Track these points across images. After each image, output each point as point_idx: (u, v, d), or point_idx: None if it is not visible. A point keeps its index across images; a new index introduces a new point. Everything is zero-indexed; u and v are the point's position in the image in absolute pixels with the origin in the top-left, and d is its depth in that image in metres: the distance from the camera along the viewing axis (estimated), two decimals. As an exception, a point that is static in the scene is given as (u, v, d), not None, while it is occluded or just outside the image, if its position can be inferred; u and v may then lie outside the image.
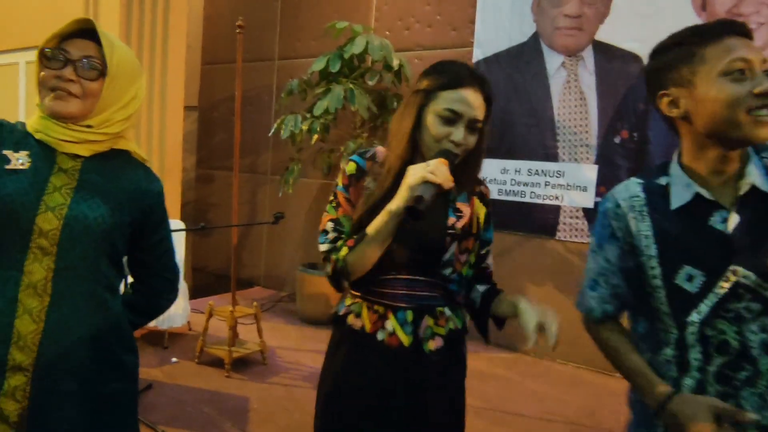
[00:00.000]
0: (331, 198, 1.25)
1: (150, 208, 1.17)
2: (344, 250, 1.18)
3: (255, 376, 3.14)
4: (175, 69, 4.49)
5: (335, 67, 3.84)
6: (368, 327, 1.23)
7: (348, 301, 1.29)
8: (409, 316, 1.22)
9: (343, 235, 1.21)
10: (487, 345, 1.33)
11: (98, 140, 1.11)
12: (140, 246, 1.19)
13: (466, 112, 1.15)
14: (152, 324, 3.34)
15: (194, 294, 4.51)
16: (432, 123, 1.17)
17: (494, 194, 3.91)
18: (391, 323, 1.22)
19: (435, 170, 1.08)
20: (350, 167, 1.24)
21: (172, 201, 4.63)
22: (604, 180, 3.48)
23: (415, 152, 1.21)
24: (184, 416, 2.60)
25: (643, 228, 1.04)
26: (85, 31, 1.09)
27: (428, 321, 1.22)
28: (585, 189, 3.56)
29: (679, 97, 0.98)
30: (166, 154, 4.48)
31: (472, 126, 1.17)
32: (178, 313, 3.48)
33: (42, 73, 1.07)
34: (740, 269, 0.95)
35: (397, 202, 1.12)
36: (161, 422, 2.51)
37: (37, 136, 1.08)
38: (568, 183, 3.61)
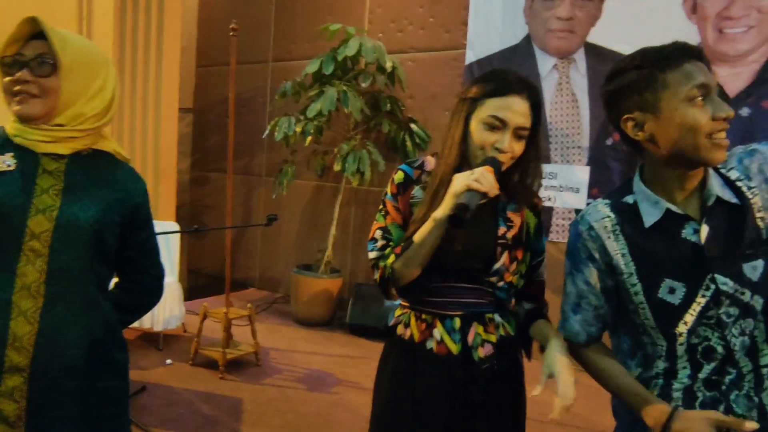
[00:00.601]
0: (381, 206, 1.26)
1: (137, 207, 1.19)
2: (392, 258, 1.18)
3: (249, 377, 3.15)
4: (169, 71, 4.50)
5: (329, 69, 3.85)
6: (417, 336, 1.23)
7: (398, 312, 1.30)
8: (457, 323, 1.21)
9: (391, 243, 1.22)
10: (529, 361, 1.32)
11: (74, 137, 1.12)
12: (128, 244, 1.21)
13: (511, 120, 1.14)
14: (147, 326, 3.34)
15: (190, 296, 4.51)
16: (477, 130, 1.17)
17: (488, 196, 3.92)
18: (438, 331, 1.21)
19: (479, 178, 1.08)
20: (398, 176, 1.24)
21: (167, 203, 4.63)
22: (596, 182, 3.50)
23: (463, 161, 1.20)
24: (177, 418, 2.61)
25: (618, 247, 1.06)
26: (42, 31, 1.09)
27: (477, 328, 1.21)
28: (577, 191, 3.58)
29: (644, 121, 1.00)
30: (160, 156, 4.49)
31: (518, 133, 1.16)
32: (174, 315, 3.48)
33: (5, 80, 1.08)
34: (719, 277, 0.98)
35: (441, 210, 1.12)
36: (154, 424, 2.52)
37: (16, 140, 1.10)
38: (561, 185, 3.63)
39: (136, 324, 3.72)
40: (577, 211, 3.59)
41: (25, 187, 1.07)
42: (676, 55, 0.97)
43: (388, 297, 1.25)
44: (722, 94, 0.98)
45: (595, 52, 3.50)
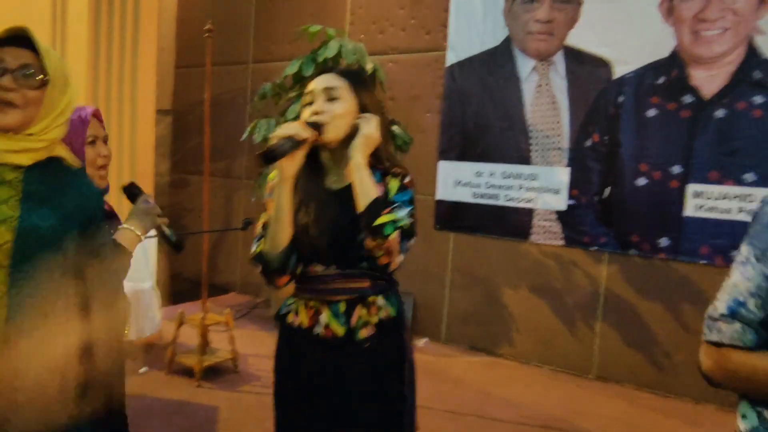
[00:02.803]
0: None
1: (94, 212, 1.17)
2: (262, 244, 1.29)
3: (226, 384, 3.09)
4: (145, 72, 4.42)
5: (308, 71, 3.80)
6: (305, 323, 1.30)
7: (289, 301, 1.36)
8: (342, 307, 1.28)
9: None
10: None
11: (38, 147, 1.09)
12: (86, 250, 1.17)
13: (316, 87, 1.30)
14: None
15: (175, 300, 4.43)
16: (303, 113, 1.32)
17: (469, 197, 3.91)
18: (325, 316, 1.28)
19: (290, 126, 1.23)
20: (272, 176, 1.34)
21: (144, 207, 4.55)
22: (576, 183, 3.51)
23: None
24: (152, 428, 2.55)
25: None
26: (16, 38, 1.06)
27: (360, 311, 1.27)
28: (557, 192, 3.58)
29: None
30: (137, 158, 4.41)
31: (328, 95, 1.28)
32: (149, 322, 3.41)
33: None
34: None
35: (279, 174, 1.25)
36: (128, 435, 2.45)
37: None
38: (541, 186, 3.63)
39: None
40: (558, 213, 3.59)
41: None
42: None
43: (272, 285, 1.31)
44: None
45: (574, 55, 3.51)
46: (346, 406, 1.27)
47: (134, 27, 4.33)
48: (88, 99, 4.31)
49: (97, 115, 1.48)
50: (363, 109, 1.31)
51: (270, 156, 1.18)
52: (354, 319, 1.27)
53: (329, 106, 1.28)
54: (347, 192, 1.25)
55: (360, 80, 1.35)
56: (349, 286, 1.27)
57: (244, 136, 4.18)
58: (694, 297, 3.18)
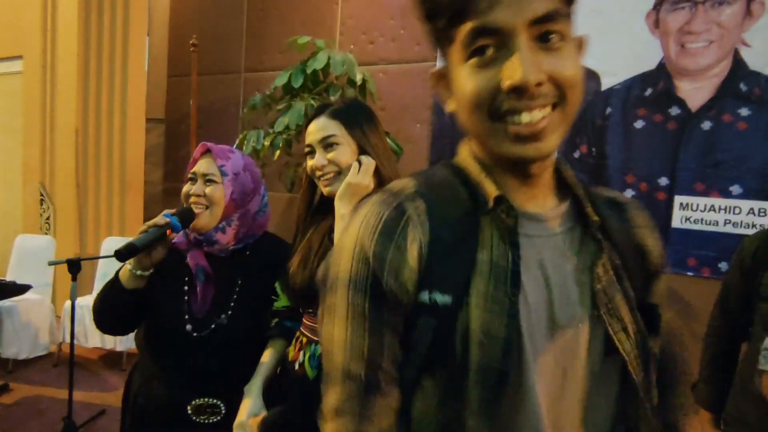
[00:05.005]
0: None
1: None
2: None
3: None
4: (135, 81, 4.43)
5: (297, 82, 3.81)
6: (291, 355, 1.31)
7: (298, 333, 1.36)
8: (318, 350, 1.24)
9: None
10: None
11: None
12: None
13: (311, 139, 1.30)
14: (110, 345, 3.26)
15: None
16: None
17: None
18: (303, 355, 1.28)
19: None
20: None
21: (134, 216, 4.55)
22: (564, 194, 3.51)
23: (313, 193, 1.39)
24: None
25: None
26: None
27: None
28: (546, 203, 3.59)
29: None
30: (127, 168, 4.41)
31: (325, 143, 1.28)
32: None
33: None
34: None
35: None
36: (111, 450, 2.44)
37: None
38: (530, 197, 3.63)
39: (98, 343, 3.64)
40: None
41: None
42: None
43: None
44: None
45: (562, 66, 3.51)
46: None
47: (123, 37, 4.34)
48: (78, 109, 4.31)
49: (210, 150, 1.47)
50: (361, 148, 1.28)
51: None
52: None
53: (333, 155, 1.26)
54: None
55: (352, 119, 1.31)
56: None
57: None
58: (681, 309, 3.18)
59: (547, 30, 0.64)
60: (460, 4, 0.63)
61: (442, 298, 0.64)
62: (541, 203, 0.73)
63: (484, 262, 0.65)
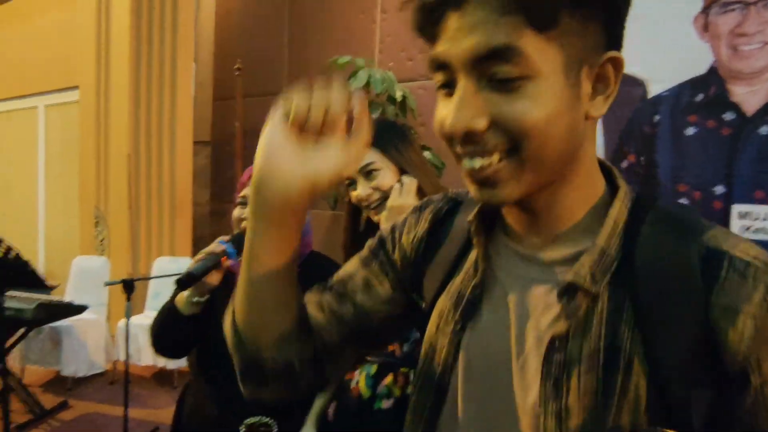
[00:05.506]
0: None
1: None
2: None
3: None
4: (183, 106, 4.60)
5: (338, 101, 3.86)
6: (346, 374, 1.32)
7: None
8: (373, 369, 1.26)
9: None
10: None
11: None
12: None
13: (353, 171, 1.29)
14: (161, 363, 3.34)
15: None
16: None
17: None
18: (359, 374, 1.28)
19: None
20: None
21: (183, 238, 4.69)
22: (613, 205, 3.41)
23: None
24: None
25: None
26: None
27: (388, 379, 1.25)
28: (594, 215, 3.49)
29: None
30: (176, 190, 4.56)
31: (364, 171, 1.28)
32: (187, 350, 3.46)
33: None
34: None
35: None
36: (165, 467, 2.48)
37: None
38: (577, 209, 3.54)
39: (150, 362, 3.74)
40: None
41: None
42: None
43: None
44: None
45: (606, 74, 3.44)
46: None
47: (172, 65, 4.52)
48: (130, 135, 4.50)
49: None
50: (400, 168, 1.27)
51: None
52: (381, 386, 1.25)
53: (375, 182, 1.27)
54: None
55: (386, 141, 1.30)
56: (386, 350, 1.26)
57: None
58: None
59: (495, 71, 0.53)
60: (430, 29, 0.57)
61: (420, 301, 0.72)
62: (546, 242, 0.62)
63: (455, 282, 0.67)
